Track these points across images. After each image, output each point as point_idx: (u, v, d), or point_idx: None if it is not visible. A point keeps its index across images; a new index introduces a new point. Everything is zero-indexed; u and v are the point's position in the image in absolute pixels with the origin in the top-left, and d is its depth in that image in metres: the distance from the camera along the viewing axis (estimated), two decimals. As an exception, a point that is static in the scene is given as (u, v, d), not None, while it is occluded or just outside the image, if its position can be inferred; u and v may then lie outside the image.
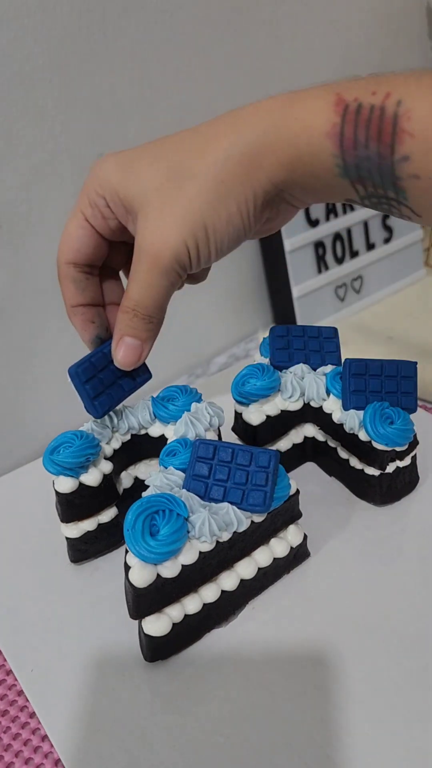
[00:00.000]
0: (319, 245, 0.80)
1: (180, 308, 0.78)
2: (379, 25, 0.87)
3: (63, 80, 0.59)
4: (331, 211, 0.81)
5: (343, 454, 0.48)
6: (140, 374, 0.43)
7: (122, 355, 0.38)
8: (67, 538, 0.45)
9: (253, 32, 0.73)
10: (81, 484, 0.42)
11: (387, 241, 0.88)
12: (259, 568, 0.40)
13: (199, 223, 0.32)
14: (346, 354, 0.49)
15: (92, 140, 0.63)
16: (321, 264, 0.81)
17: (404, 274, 0.92)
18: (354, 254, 0.85)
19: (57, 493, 0.42)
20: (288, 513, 0.40)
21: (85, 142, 0.63)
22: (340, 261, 0.83)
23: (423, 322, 0.81)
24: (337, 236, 0.82)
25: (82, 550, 0.45)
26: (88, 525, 0.44)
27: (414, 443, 0.45)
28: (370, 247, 0.87)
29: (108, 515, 0.45)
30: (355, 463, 0.47)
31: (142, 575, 0.34)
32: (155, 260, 0.33)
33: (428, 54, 0.97)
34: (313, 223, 0.79)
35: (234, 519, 0.36)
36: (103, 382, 0.41)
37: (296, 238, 0.78)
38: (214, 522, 0.35)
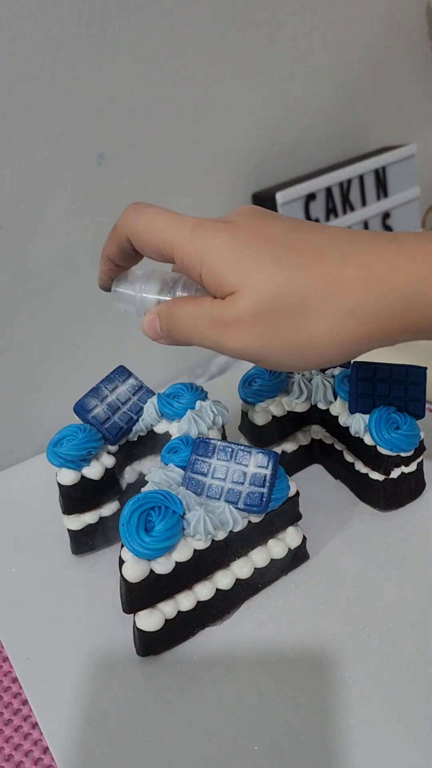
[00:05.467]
0: (319, 246, 0.80)
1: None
2: (379, 25, 0.87)
3: (63, 80, 0.59)
4: (331, 211, 0.81)
5: (349, 457, 0.48)
6: (145, 397, 0.47)
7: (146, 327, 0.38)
8: (68, 530, 0.45)
9: (253, 32, 0.73)
10: (83, 477, 0.43)
11: (388, 241, 0.88)
12: (255, 569, 0.40)
13: (285, 353, 0.32)
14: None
15: (92, 140, 0.63)
16: (322, 264, 0.81)
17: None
18: (355, 255, 0.85)
19: (59, 485, 0.43)
20: (287, 514, 0.40)
21: (85, 142, 0.63)
22: (340, 261, 0.83)
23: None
24: (337, 237, 0.82)
25: (84, 543, 0.46)
26: (90, 518, 0.45)
27: (420, 449, 0.45)
28: (371, 247, 0.86)
29: (110, 509, 0.45)
30: (360, 467, 0.46)
31: (135, 570, 0.34)
32: (221, 347, 0.33)
33: (428, 54, 0.97)
34: (314, 223, 0.79)
35: (230, 518, 0.36)
36: (106, 411, 0.45)
37: (297, 238, 0.77)
38: (209, 520, 0.35)
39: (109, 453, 0.45)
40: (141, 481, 0.49)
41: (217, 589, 0.38)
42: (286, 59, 0.77)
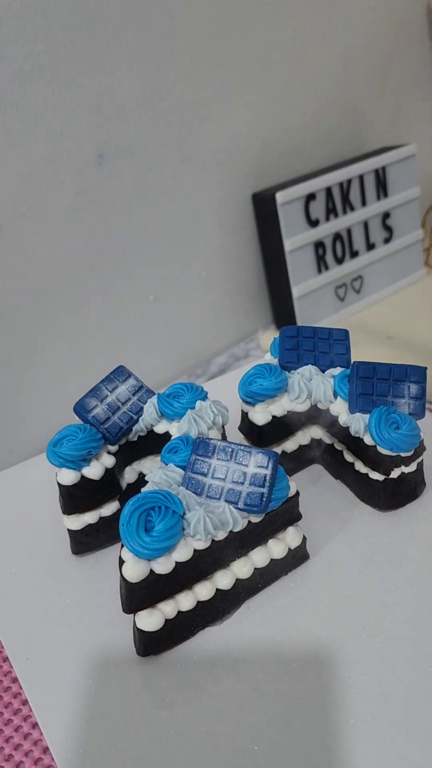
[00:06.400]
0: (319, 245, 0.80)
1: (180, 308, 0.79)
2: (379, 25, 0.87)
3: (63, 80, 0.60)
4: (331, 211, 0.81)
5: (349, 457, 0.48)
6: (145, 397, 0.47)
7: None
8: (69, 530, 0.45)
9: (253, 32, 0.73)
10: (83, 477, 0.43)
11: (387, 241, 0.88)
12: (255, 569, 0.40)
13: None
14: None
15: (92, 140, 0.64)
16: (321, 264, 0.81)
17: (404, 274, 0.91)
18: (354, 254, 0.85)
19: (59, 484, 0.43)
20: (287, 514, 0.40)
21: (85, 142, 0.63)
22: (340, 261, 0.83)
23: (423, 322, 0.81)
24: (337, 236, 0.82)
25: (84, 543, 0.46)
26: (90, 518, 0.45)
27: (421, 449, 0.45)
28: (370, 247, 0.86)
29: (110, 509, 0.45)
30: (360, 467, 0.46)
31: (135, 570, 0.34)
32: None
33: (428, 54, 0.97)
34: (313, 223, 0.79)
35: (230, 518, 0.36)
36: (106, 411, 0.45)
37: (296, 238, 0.77)
38: (209, 520, 0.35)
39: (109, 453, 0.45)
40: (141, 481, 0.49)
41: (217, 589, 0.38)
42: (286, 59, 0.77)
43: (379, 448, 0.43)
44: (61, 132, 0.61)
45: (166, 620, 0.37)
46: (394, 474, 0.44)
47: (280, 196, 0.75)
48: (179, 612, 0.37)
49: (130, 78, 0.64)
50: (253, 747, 0.33)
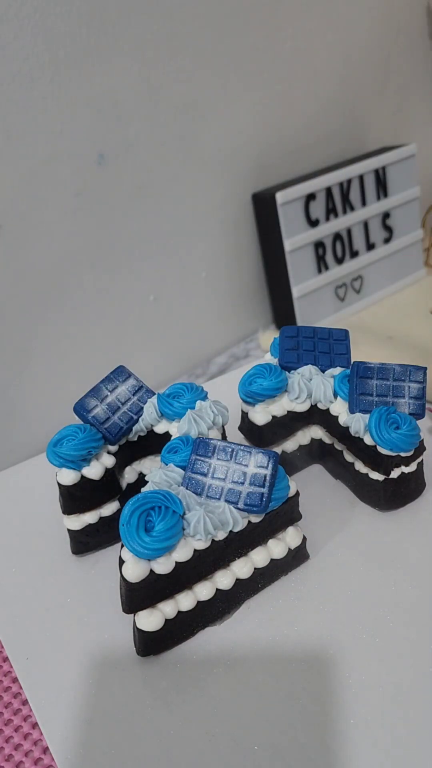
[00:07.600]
0: (319, 245, 0.80)
1: (180, 308, 0.79)
2: (380, 25, 0.87)
3: (63, 80, 0.60)
4: (331, 211, 0.81)
5: (349, 457, 0.48)
6: (145, 397, 0.47)
7: None
8: (69, 530, 0.45)
9: (253, 32, 0.73)
10: (83, 477, 0.43)
11: (387, 241, 0.88)
12: (255, 569, 0.40)
13: None
14: (346, 354, 0.49)
15: (92, 140, 0.64)
16: (321, 264, 0.81)
17: (404, 274, 0.91)
18: (354, 254, 0.85)
19: (59, 485, 0.43)
20: (287, 514, 0.40)
21: (85, 142, 0.63)
22: (340, 261, 0.83)
23: (423, 322, 0.81)
24: (337, 236, 0.82)
25: (84, 543, 0.46)
26: (90, 518, 0.45)
27: (420, 449, 0.45)
28: (370, 247, 0.86)
29: (110, 509, 0.45)
30: (360, 467, 0.46)
31: (135, 570, 0.34)
32: None
33: (428, 54, 0.97)
34: (313, 223, 0.79)
35: (230, 518, 0.36)
36: (106, 411, 0.45)
37: (296, 238, 0.77)
38: (209, 520, 0.35)
39: (109, 453, 0.45)
40: (141, 481, 0.49)
41: (217, 589, 0.38)
42: (286, 59, 0.77)
43: (379, 448, 0.43)
44: (61, 132, 0.61)
45: (166, 620, 0.37)
46: (394, 474, 0.44)
47: (280, 196, 0.75)
48: (179, 612, 0.37)
49: (130, 78, 0.64)
50: (253, 747, 0.33)
